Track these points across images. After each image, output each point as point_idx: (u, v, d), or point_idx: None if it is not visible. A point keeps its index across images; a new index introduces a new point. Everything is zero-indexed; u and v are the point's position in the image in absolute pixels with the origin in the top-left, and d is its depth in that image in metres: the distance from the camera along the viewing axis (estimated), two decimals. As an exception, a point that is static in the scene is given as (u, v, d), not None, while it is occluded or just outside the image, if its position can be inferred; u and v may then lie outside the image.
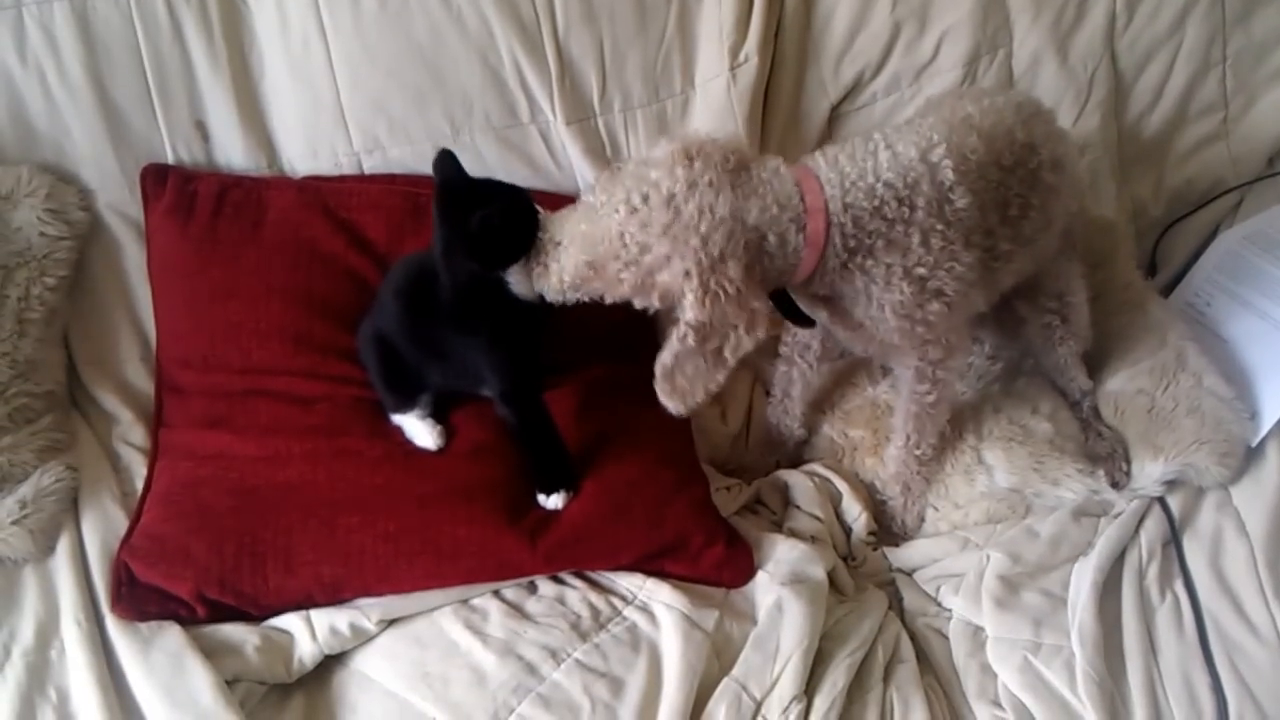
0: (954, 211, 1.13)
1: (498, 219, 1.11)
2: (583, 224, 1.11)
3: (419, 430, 1.35)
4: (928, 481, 1.43)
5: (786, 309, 1.24)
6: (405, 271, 1.33)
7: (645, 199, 1.07)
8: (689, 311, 1.07)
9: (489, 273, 1.16)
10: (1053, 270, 1.40)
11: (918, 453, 1.39)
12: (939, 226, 1.13)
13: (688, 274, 1.05)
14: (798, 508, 1.44)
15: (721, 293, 1.06)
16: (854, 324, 1.24)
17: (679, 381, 1.12)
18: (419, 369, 1.33)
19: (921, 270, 1.14)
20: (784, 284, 1.17)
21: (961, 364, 1.30)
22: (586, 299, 1.15)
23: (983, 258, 1.19)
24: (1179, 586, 1.28)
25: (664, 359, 1.11)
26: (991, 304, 1.31)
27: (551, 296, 1.15)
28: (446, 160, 1.20)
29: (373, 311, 1.37)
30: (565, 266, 1.12)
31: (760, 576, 1.28)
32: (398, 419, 1.36)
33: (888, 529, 1.45)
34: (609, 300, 1.14)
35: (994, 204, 1.17)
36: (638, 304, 1.13)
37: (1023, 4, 1.58)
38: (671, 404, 1.14)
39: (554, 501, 1.29)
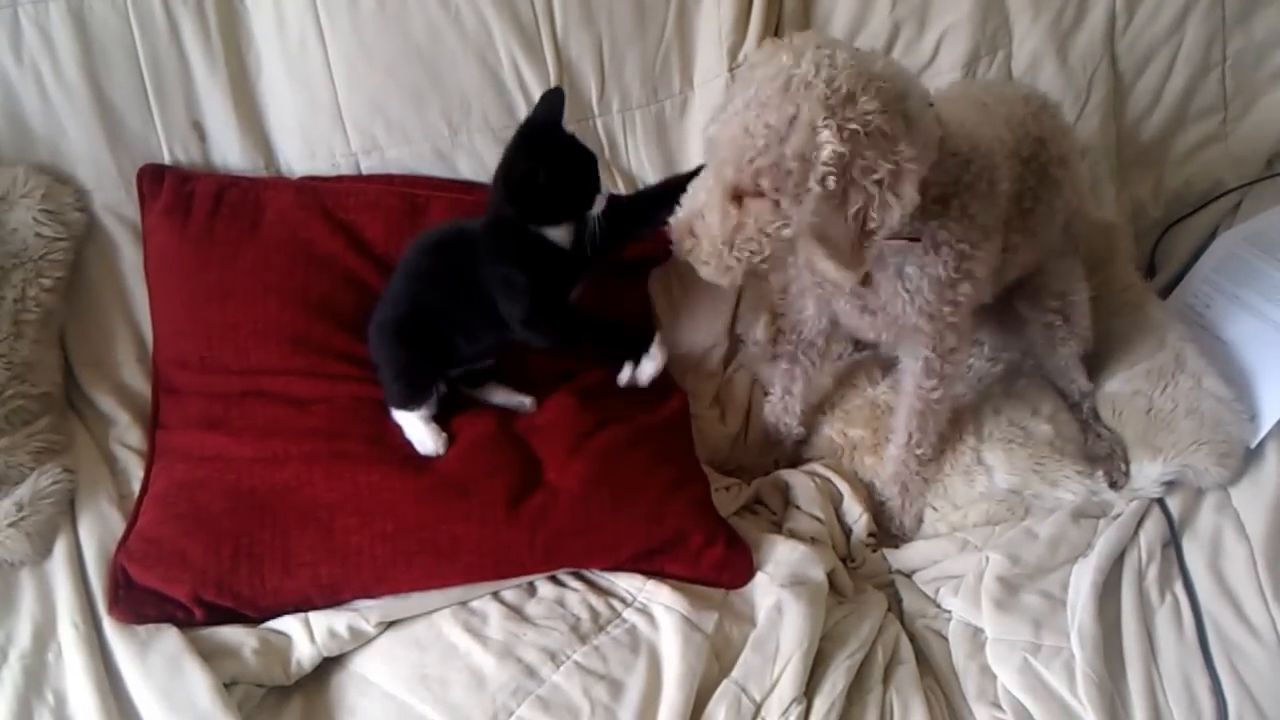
0: (996, 195, 1.13)
1: (542, 178, 1.13)
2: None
3: (422, 434, 1.34)
4: (926, 482, 1.43)
5: None
6: (430, 239, 1.33)
7: (757, 88, 0.99)
8: (825, 149, 0.95)
9: (522, 221, 1.19)
10: (1055, 269, 1.40)
11: (919, 452, 1.38)
12: (981, 205, 1.12)
13: (815, 125, 0.95)
14: (798, 508, 1.44)
15: (860, 127, 0.95)
16: (878, 304, 1.23)
17: (826, 245, 1.04)
18: (444, 340, 1.31)
19: (965, 246, 1.13)
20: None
21: (965, 357, 1.30)
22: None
23: (1002, 248, 1.19)
24: (1179, 588, 1.28)
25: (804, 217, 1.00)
26: (995, 296, 1.31)
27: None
28: (551, 98, 1.22)
29: (385, 300, 1.36)
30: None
31: (760, 578, 1.28)
32: (402, 417, 1.35)
33: (886, 530, 1.45)
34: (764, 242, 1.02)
35: (1013, 195, 1.18)
36: (786, 222, 1.00)
37: (1022, 4, 1.59)
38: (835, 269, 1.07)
39: (644, 372, 1.25)
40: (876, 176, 0.97)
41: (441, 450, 1.34)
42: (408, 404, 1.34)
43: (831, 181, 0.96)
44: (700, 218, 1.03)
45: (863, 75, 0.97)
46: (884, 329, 1.30)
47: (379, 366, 1.37)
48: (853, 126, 0.95)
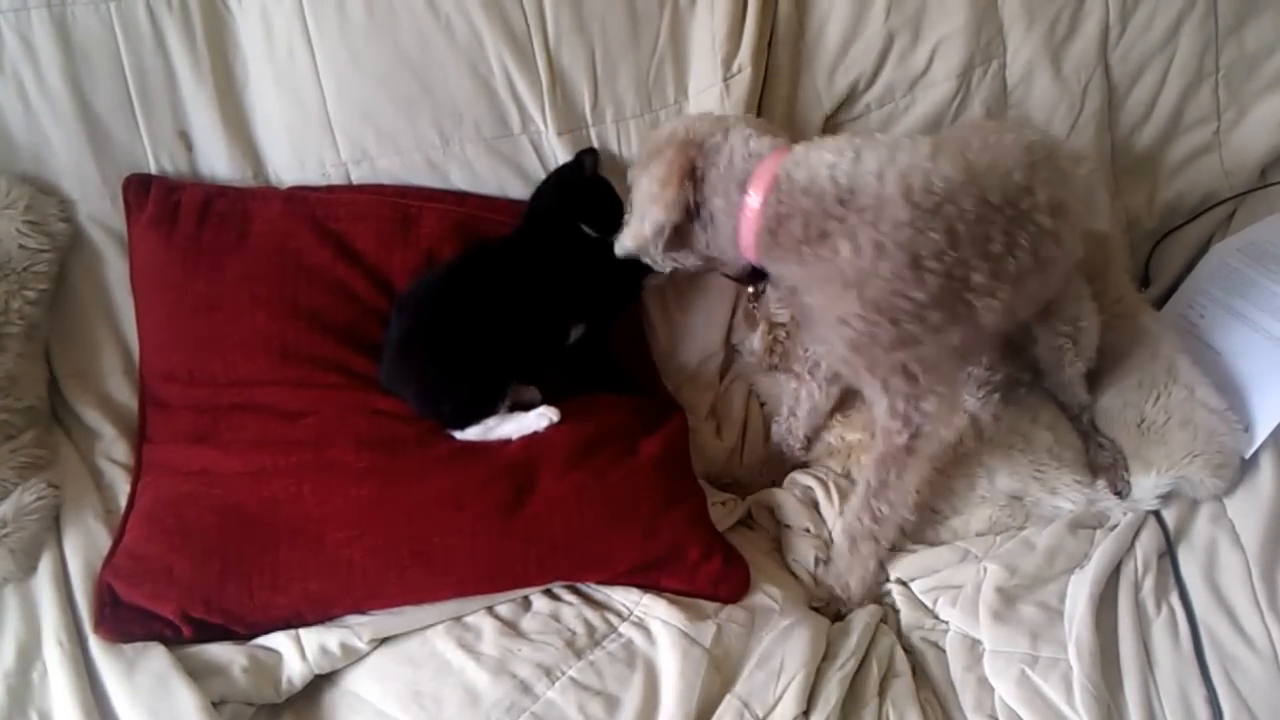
0: (894, 224, 1.14)
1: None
2: None
3: (519, 421, 1.34)
4: (877, 544, 1.34)
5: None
6: (464, 265, 1.41)
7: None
8: None
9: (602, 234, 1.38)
10: (1067, 293, 1.39)
11: (874, 503, 1.31)
12: (872, 235, 1.14)
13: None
14: (789, 527, 1.44)
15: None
16: (819, 337, 1.28)
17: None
18: (498, 355, 1.37)
19: (851, 273, 1.16)
20: (740, 248, 1.27)
21: (940, 412, 1.25)
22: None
23: (954, 289, 1.16)
24: (1174, 599, 1.28)
25: None
26: (981, 341, 1.30)
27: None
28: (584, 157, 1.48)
29: (420, 336, 1.37)
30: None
31: (761, 597, 1.27)
32: (480, 426, 1.34)
33: (829, 589, 1.36)
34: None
35: (970, 238, 1.15)
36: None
37: (1016, 14, 1.58)
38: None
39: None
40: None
41: (555, 416, 1.34)
42: (480, 414, 1.35)
43: None
44: None
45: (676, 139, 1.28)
46: (833, 359, 1.32)
47: (433, 406, 1.36)
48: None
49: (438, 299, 1.38)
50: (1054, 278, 1.31)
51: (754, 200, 1.22)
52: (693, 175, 1.25)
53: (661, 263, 1.34)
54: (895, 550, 1.39)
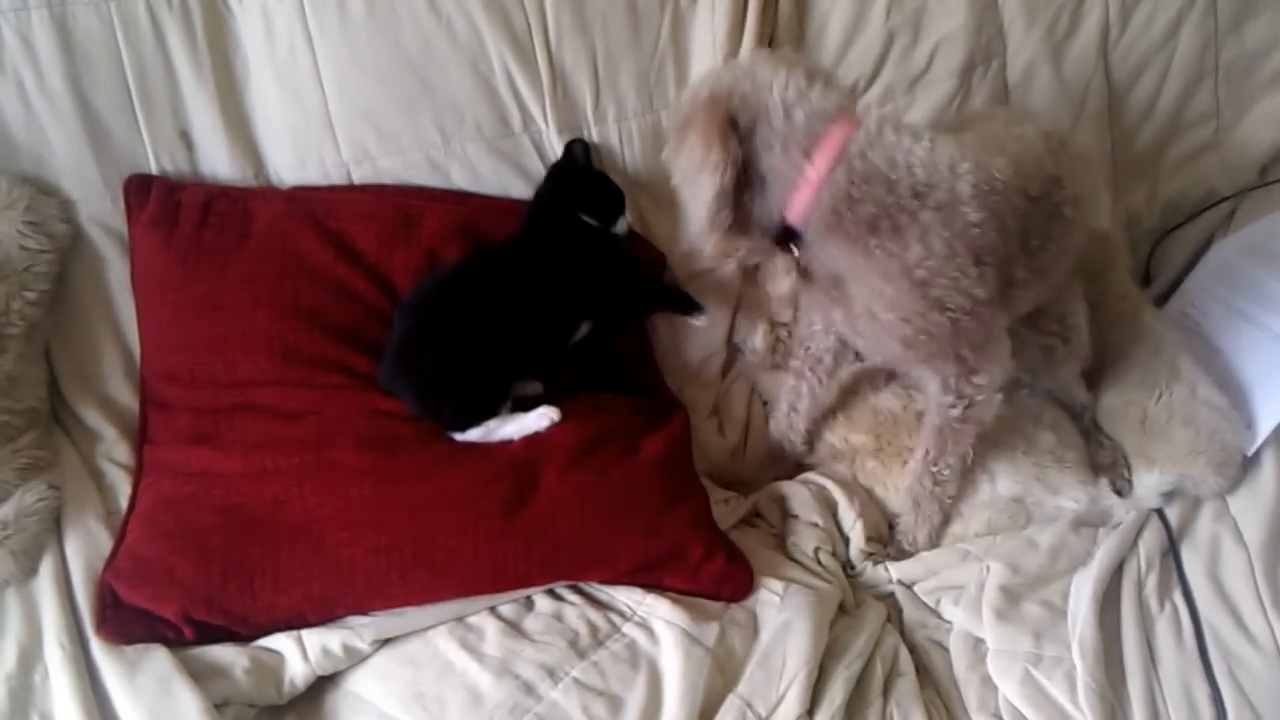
0: (965, 225, 1.13)
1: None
2: None
3: (520, 422, 1.34)
4: (941, 503, 1.40)
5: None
6: (473, 270, 1.41)
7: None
8: None
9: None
10: (1060, 295, 1.40)
11: (934, 469, 1.36)
12: (944, 234, 1.12)
13: None
14: (796, 517, 1.44)
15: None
16: (858, 328, 1.25)
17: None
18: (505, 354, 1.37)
19: (922, 273, 1.13)
20: (781, 208, 1.17)
21: (992, 380, 1.26)
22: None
23: (999, 282, 1.18)
24: (1178, 597, 1.28)
25: None
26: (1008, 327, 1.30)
27: None
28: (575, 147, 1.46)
29: (421, 339, 1.36)
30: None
31: (766, 595, 1.27)
32: (481, 428, 1.34)
33: (899, 545, 1.43)
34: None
35: (1016, 231, 1.17)
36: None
37: (1016, 14, 1.59)
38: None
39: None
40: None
41: (556, 416, 1.33)
42: (483, 415, 1.34)
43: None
44: None
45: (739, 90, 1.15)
46: (879, 347, 1.29)
47: (436, 395, 1.36)
48: None
49: (440, 302, 1.38)
50: (1067, 267, 1.32)
51: (817, 171, 1.12)
52: (736, 129, 1.13)
53: (757, 249, 1.26)
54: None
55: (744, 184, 1.15)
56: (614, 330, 1.50)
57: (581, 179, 1.45)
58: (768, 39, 1.52)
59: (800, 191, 1.14)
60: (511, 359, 1.38)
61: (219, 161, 1.46)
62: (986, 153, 1.16)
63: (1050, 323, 1.40)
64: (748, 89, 1.14)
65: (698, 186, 1.14)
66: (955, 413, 1.29)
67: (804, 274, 1.32)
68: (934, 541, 1.42)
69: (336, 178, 1.48)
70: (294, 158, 1.47)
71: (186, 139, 1.45)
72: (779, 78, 1.13)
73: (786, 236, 1.22)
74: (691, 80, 1.26)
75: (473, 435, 1.34)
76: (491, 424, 1.34)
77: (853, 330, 1.29)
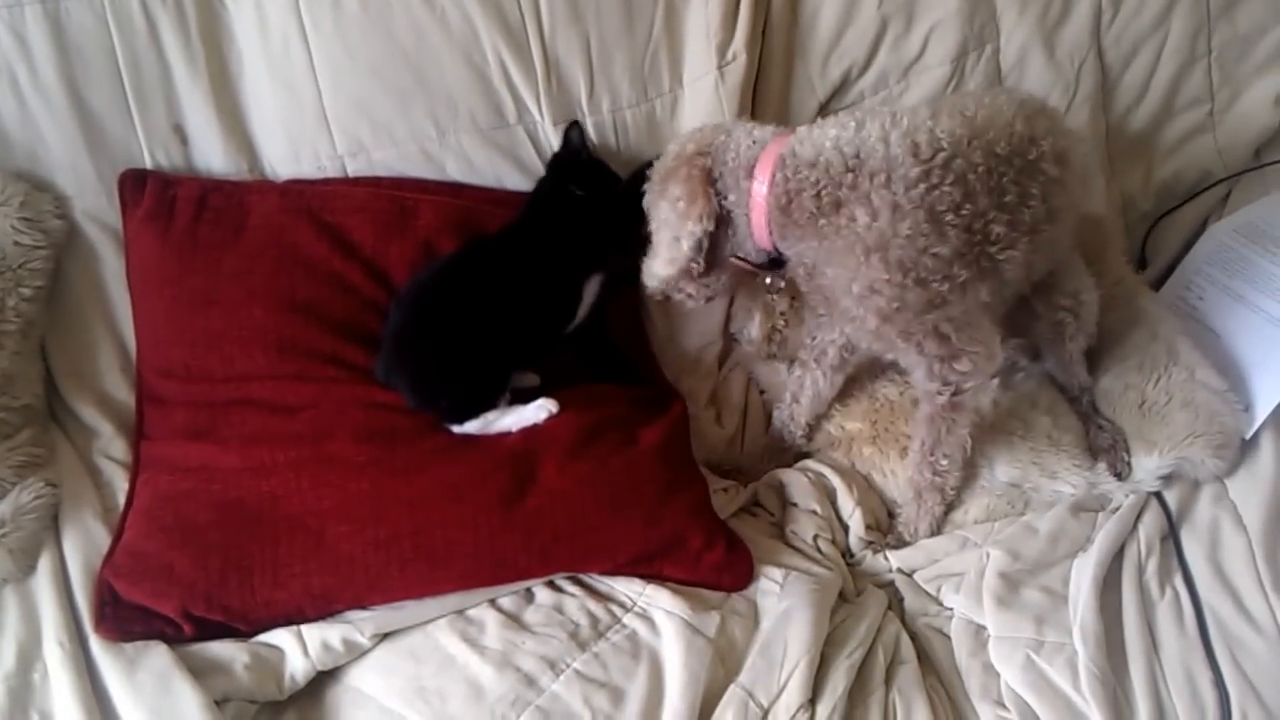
0: (906, 183, 1.15)
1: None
2: None
3: (518, 414, 1.33)
4: (943, 493, 1.40)
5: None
6: (472, 259, 1.41)
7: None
8: None
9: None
10: (1067, 268, 1.40)
11: (931, 459, 1.36)
12: (887, 196, 1.15)
13: None
14: (795, 505, 1.44)
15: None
16: (845, 313, 1.26)
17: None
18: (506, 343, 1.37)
19: (873, 236, 1.16)
20: (755, 236, 1.27)
21: (978, 367, 1.27)
22: None
23: (975, 242, 1.18)
24: (1178, 581, 1.28)
25: None
26: (1003, 298, 1.31)
27: None
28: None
29: (418, 330, 1.36)
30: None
31: (767, 584, 1.27)
32: (480, 419, 1.34)
33: (899, 535, 1.43)
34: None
35: (984, 189, 1.17)
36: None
37: (1009, -1, 1.59)
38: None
39: None
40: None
41: (554, 408, 1.33)
42: (481, 407, 1.34)
43: None
44: None
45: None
46: (869, 338, 1.30)
47: (434, 387, 1.35)
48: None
49: (436, 292, 1.38)
50: (1064, 229, 1.32)
51: (761, 184, 1.23)
52: (712, 182, 1.26)
53: (697, 295, 1.34)
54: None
55: (719, 225, 1.27)
56: (628, 282, 1.46)
57: (578, 165, 1.45)
58: (761, 27, 1.51)
59: (755, 212, 1.25)
60: (509, 349, 1.38)
61: (214, 156, 1.45)
62: (934, 118, 1.19)
63: (1063, 297, 1.40)
64: (721, 141, 1.27)
65: (680, 233, 1.25)
66: (943, 400, 1.29)
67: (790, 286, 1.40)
68: (936, 531, 1.42)
69: (331, 171, 1.47)
70: (288, 151, 1.47)
71: (181, 133, 1.45)
72: (736, 130, 1.28)
73: (772, 263, 1.32)
74: (676, 140, 1.34)
75: (471, 427, 1.34)
76: (490, 416, 1.34)
77: (840, 316, 1.31)
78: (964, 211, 1.16)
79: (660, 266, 1.28)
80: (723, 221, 1.27)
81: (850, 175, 1.18)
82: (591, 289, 1.43)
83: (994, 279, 1.23)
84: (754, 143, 1.26)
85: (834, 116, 1.26)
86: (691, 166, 1.25)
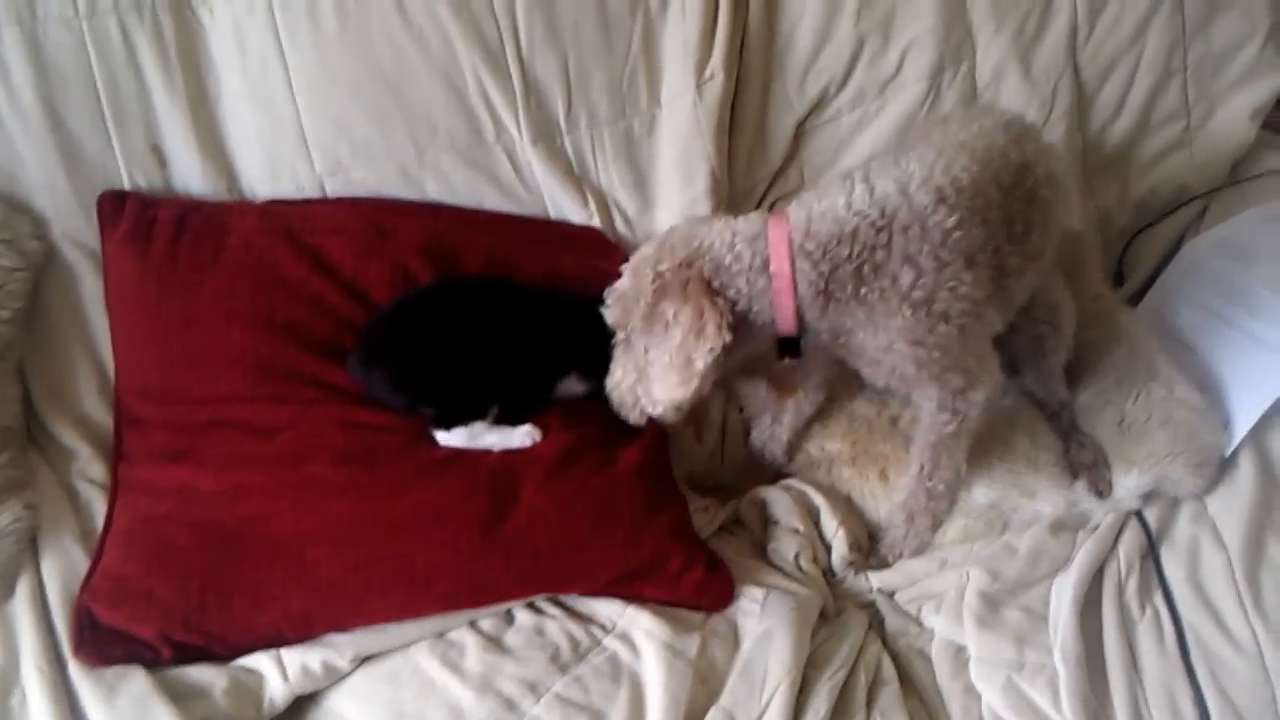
0: (944, 233, 1.14)
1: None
2: None
3: (504, 435, 1.33)
4: (935, 517, 1.40)
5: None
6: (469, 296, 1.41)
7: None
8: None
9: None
10: (1047, 282, 1.40)
11: (929, 484, 1.36)
12: (927, 248, 1.14)
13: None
14: (777, 523, 1.44)
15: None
16: (872, 361, 1.25)
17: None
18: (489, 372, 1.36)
19: (919, 293, 1.15)
20: (773, 328, 1.20)
21: (987, 395, 1.27)
22: None
23: (993, 275, 1.19)
24: (1159, 600, 1.28)
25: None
26: (1007, 321, 1.31)
27: None
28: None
29: (410, 338, 1.36)
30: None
31: (746, 604, 1.27)
32: (465, 430, 1.33)
33: (882, 556, 1.43)
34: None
35: (999, 222, 1.18)
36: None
37: (985, 16, 1.59)
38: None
39: None
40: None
41: (539, 437, 1.33)
42: (464, 418, 1.33)
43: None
44: None
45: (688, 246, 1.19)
46: (888, 378, 1.28)
47: (415, 400, 1.35)
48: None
49: (436, 292, 1.38)
50: (1053, 249, 1.33)
51: (781, 277, 1.16)
52: (714, 290, 1.17)
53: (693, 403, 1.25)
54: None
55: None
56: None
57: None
58: (738, 45, 1.52)
59: (780, 303, 1.18)
60: (497, 381, 1.37)
61: (192, 176, 1.45)
62: (944, 157, 1.17)
63: (1043, 310, 1.41)
64: (700, 247, 1.18)
65: (695, 353, 1.15)
66: (949, 429, 1.29)
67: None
68: (919, 553, 1.41)
69: (310, 191, 1.47)
70: (267, 171, 1.46)
71: (159, 154, 1.44)
72: (709, 230, 1.19)
73: (784, 348, 1.25)
74: (638, 254, 1.24)
75: (457, 437, 1.33)
76: (477, 428, 1.33)
77: (866, 363, 1.28)
78: (988, 249, 1.17)
79: (670, 391, 1.19)
80: (735, 326, 1.17)
81: (880, 235, 1.14)
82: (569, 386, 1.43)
83: (1004, 307, 1.24)
84: (747, 238, 1.17)
85: (826, 185, 1.21)
86: (687, 279, 1.16)
